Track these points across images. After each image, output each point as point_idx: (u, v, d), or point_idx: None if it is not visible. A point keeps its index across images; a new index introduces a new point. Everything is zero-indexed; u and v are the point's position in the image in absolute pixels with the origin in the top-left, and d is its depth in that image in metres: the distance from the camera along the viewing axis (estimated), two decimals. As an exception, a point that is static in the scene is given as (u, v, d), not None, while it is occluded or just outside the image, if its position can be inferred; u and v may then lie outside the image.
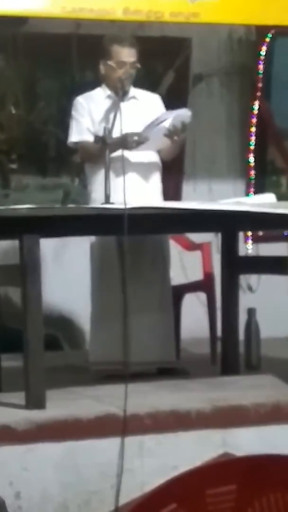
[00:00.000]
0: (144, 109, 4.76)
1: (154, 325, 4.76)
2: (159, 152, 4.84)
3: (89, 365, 4.86)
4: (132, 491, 3.68)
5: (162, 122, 4.58)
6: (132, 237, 4.26)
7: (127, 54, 4.72)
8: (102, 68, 4.84)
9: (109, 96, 4.80)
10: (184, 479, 2.00)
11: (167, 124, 4.65)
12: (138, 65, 4.77)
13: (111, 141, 4.46)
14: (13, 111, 6.41)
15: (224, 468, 2.03)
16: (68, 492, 3.70)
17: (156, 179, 4.87)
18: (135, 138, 4.56)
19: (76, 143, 4.86)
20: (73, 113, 4.86)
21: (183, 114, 4.65)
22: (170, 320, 4.89)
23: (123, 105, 4.65)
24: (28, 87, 6.42)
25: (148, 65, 5.60)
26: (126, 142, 4.54)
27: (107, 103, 4.78)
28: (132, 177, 4.67)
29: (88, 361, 4.87)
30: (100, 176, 4.55)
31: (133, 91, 4.85)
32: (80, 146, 4.86)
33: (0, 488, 2.67)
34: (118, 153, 4.51)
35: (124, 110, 4.59)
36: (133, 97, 4.84)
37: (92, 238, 4.83)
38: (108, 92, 4.80)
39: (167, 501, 1.96)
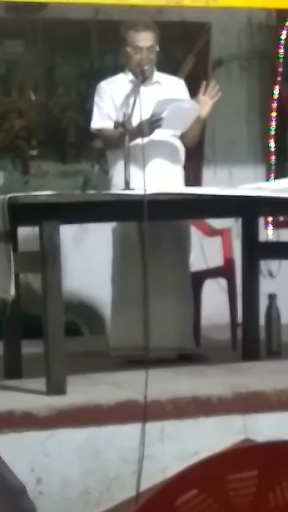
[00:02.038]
0: (167, 93, 4.74)
1: (173, 311, 4.75)
2: (182, 138, 4.83)
3: (109, 350, 4.86)
4: (153, 477, 3.68)
5: (162, 110, 4.55)
6: (153, 223, 4.24)
7: (142, 39, 4.71)
8: (122, 55, 4.84)
9: (131, 81, 4.78)
10: (205, 465, 1.99)
11: (186, 104, 4.64)
12: (157, 49, 4.75)
13: (130, 126, 4.45)
14: (33, 97, 6.40)
15: (246, 454, 2.01)
16: (89, 478, 3.71)
17: (178, 165, 4.85)
18: (151, 121, 4.54)
19: (98, 130, 4.85)
20: (96, 98, 4.85)
21: (183, 106, 4.63)
22: (190, 306, 4.89)
23: (146, 90, 4.67)
24: (47, 73, 6.41)
25: (168, 50, 5.58)
26: (142, 129, 4.52)
27: (130, 88, 4.77)
28: (154, 163, 4.66)
29: (108, 346, 4.87)
30: (121, 161, 4.54)
31: (157, 75, 4.85)
32: (101, 133, 4.85)
33: (21, 474, 2.66)
34: (138, 141, 4.50)
35: (148, 95, 4.61)
36: (157, 82, 4.83)
37: (114, 224, 4.83)
38: (131, 77, 4.79)
39: (188, 487, 1.95)
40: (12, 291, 3.91)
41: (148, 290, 4.42)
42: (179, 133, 4.85)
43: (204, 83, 4.83)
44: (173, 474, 1.98)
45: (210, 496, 1.96)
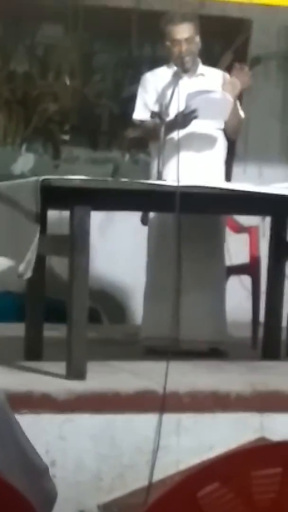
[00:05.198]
0: (210, 86, 4.73)
1: (208, 303, 4.75)
2: (225, 130, 4.83)
3: (140, 339, 4.85)
4: (167, 468, 3.69)
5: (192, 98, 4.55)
6: (189, 215, 4.23)
7: (179, 31, 4.71)
8: (164, 49, 4.85)
9: (175, 73, 4.78)
10: (229, 459, 1.99)
11: (216, 95, 4.63)
12: (197, 39, 4.74)
13: (167, 117, 4.46)
14: (68, 82, 6.41)
15: (271, 451, 2.01)
16: (103, 464, 3.71)
17: (218, 158, 4.85)
18: (185, 113, 4.54)
19: (140, 121, 4.84)
20: (140, 89, 4.86)
21: (213, 96, 4.62)
22: (223, 299, 4.88)
23: (190, 82, 4.68)
24: (85, 59, 6.42)
25: (207, 45, 5.55)
26: (177, 122, 4.53)
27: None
28: (195, 156, 4.66)
29: (139, 336, 4.87)
30: (165, 152, 4.53)
31: (202, 68, 4.84)
32: (143, 125, 4.83)
33: (37, 455, 2.71)
34: (183, 131, 4.50)
35: (192, 87, 4.62)
36: (201, 74, 4.83)
37: (152, 214, 4.84)
38: (175, 69, 4.79)
39: (211, 479, 1.95)
40: (29, 273, 3.90)
41: (180, 281, 4.43)
42: (222, 126, 4.84)
43: (238, 65, 4.82)
44: (196, 466, 1.98)
45: (232, 491, 1.96)
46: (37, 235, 3.92)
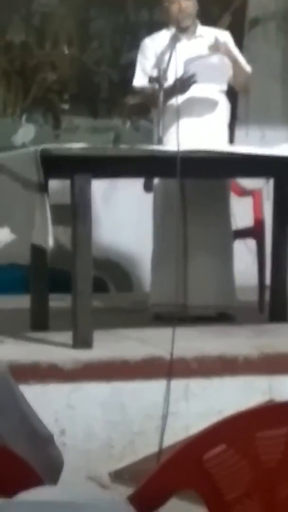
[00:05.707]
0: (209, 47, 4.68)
1: (215, 267, 4.73)
2: (232, 83, 4.80)
3: (149, 307, 4.84)
4: (176, 434, 3.68)
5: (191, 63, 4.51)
6: (194, 180, 4.19)
7: None
8: (162, 12, 4.80)
9: (173, 36, 4.73)
10: (234, 421, 1.98)
11: (213, 59, 4.58)
12: None
13: (165, 82, 4.41)
14: (66, 51, 6.36)
15: (276, 411, 2.00)
16: (113, 432, 3.72)
17: (220, 121, 4.81)
18: (183, 79, 4.50)
19: (141, 88, 4.80)
20: (139, 56, 4.82)
21: (211, 60, 4.57)
22: (231, 263, 4.86)
23: (189, 44, 4.63)
24: (82, 27, 6.36)
25: (205, 7, 5.50)
26: (176, 88, 4.49)
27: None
28: (196, 120, 4.62)
29: (148, 303, 4.85)
30: (166, 118, 4.49)
31: (201, 29, 4.79)
32: (144, 91, 4.79)
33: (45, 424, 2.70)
34: (183, 97, 4.47)
35: (191, 49, 4.58)
36: (200, 36, 4.77)
37: (156, 181, 4.80)
38: (173, 31, 4.74)
39: (216, 442, 1.94)
40: (51, 242, 3.85)
41: (187, 247, 4.40)
42: (224, 88, 4.79)
43: None
44: (202, 429, 1.97)
45: (238, 452, 1.95)
46: (47, 204, 3.86)
